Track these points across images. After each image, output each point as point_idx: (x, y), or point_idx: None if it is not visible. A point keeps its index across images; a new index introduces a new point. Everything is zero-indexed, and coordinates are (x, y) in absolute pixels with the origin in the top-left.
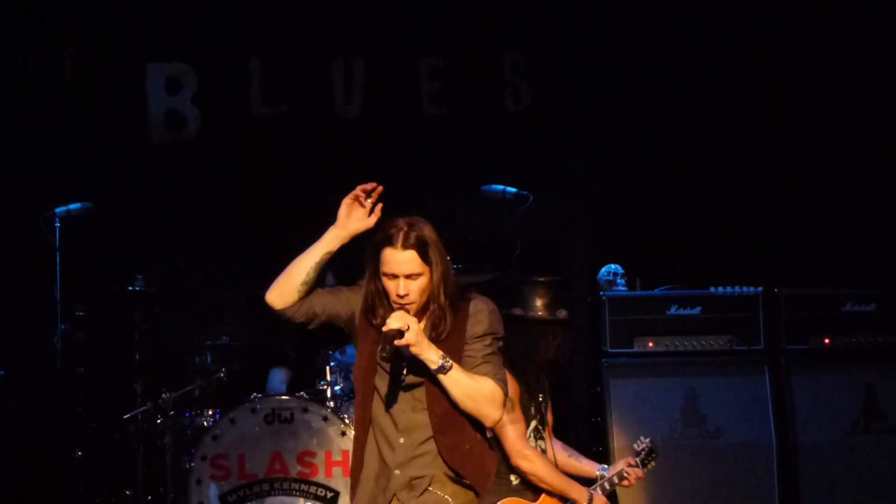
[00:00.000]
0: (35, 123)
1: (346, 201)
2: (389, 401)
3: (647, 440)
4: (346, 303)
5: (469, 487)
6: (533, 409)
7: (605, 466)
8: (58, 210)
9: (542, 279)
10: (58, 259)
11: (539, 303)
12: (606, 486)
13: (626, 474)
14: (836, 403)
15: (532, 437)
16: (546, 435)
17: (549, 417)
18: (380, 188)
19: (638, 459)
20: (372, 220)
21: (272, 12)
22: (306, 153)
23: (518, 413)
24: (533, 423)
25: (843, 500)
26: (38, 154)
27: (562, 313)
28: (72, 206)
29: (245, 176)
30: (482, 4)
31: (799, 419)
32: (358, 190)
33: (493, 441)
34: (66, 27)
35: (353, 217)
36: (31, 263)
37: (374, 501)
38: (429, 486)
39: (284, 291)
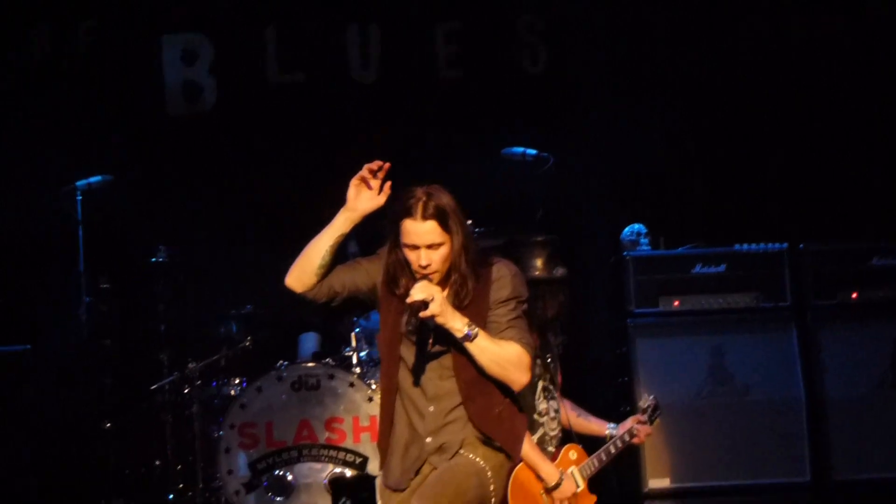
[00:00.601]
0: (53, 98)
1: (354, 182)
2: (417, 370)
3: (651, 397)
4: (365, 275)
5: (500, 450)
6: (539, 369)
7: (614, 425)
8: (79, 184)
9: (539, 238)
10: (80, 232)
11: (538, 262)
12: (619, 443)
13: (636, 431)
14: (864, 358)
15: (542, 397)
16: (557, 395)
17: (559, 378)
18: (387, 165)
19: (646, 417)
20: (382, 199)
21: None
22: (323, 120)
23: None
24: (541, 384)
25: (873, 454)
26: (56, 129)
27: (559, 271)
28: (92, 180)
29: (264, 144)
30: None
31: (827, 374)
32: (364, 170)
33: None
34: (81, 1)
35: (362, 197)
36: (54, 238)
37: (406, 468)
38: (460, 448)
39: (303, 276)
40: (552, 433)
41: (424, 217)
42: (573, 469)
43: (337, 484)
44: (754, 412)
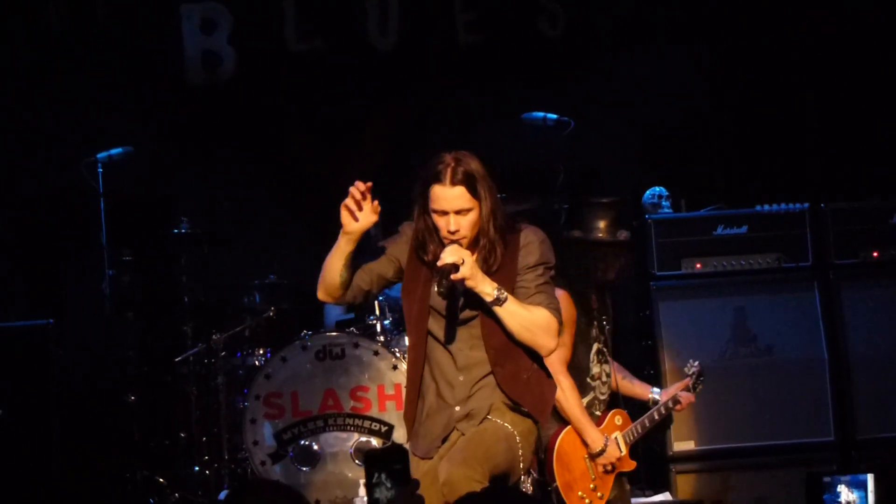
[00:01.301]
0: (71, 70)
1: (344, 208)
2: (447, 339)
3: (696, 363)
4: (389, 262)
5: (527, 415)
6: (595, 331)
7: (658, 390)
8: (99, 156)
9: (603, 200)
10: (102, 205)
11: (601, 224)
12: (662, 410)
13: (680, 398)
14: (886, 316)
15: (596, 360)
16: (610, 358)
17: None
18: (369, 184)
19: (690, 383)
20: (375, 216)
21: None
22: (343, 87)
23: (566, 338)
24: (596, 346)
25: None
26: (76, 101)
27: (623, 234)
28: (113, 151)
29: (284, 113)
30: None
31: (850, 333)
32: (349, 199)
33: None
34: None
35: (355, 218)
36: (75, 210)
37: (434, 436)
38: (487, 414)
39: (329, 291)
40: (602, 397)
41: (453, 182)
42: (617, 434)
43: (370, 458)
44: (778, 373)
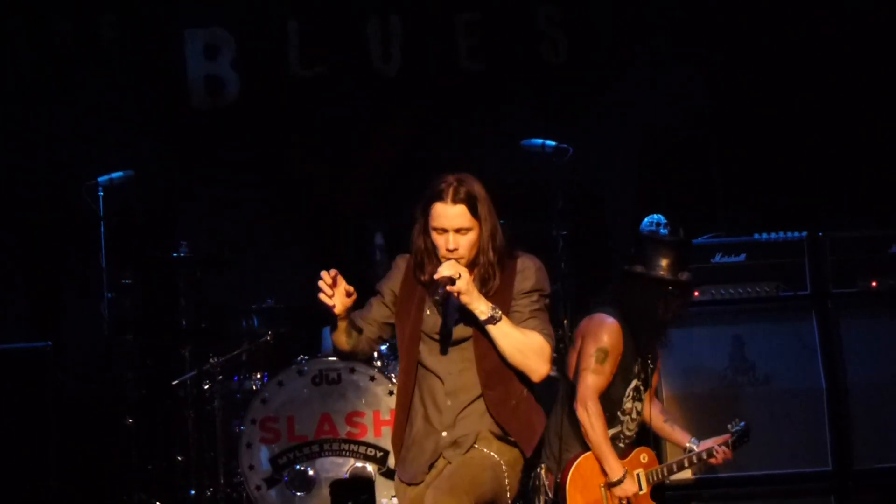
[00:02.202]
0: (75, 92)
1: (320, 298)
2: (438, 362)
3: (742, 423)
4: (385, 302)
5: (514, 445)
6: (637, 368)
7: (696, 440)
8: (101, 179)
9: (668, 238)
10: (102, 228)
11: (662, 262)
12: (695, 459)
13: (715, 452)
14: (884, 345)
15: (630, 396)
16: (646, 397)
17: (655, 379)
18: (334, 272)
19: (731, 440)
20: (351, 297)
21: None
22: (346, 113)
23: (607, 367)
24: (634, 382)
25: (894, 443)
26: (78, 123)
27: (684, 275)
28: (114, 175)
29: (286, 138)
30: None
31: (848, 363)
32: (321, 293)
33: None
34: None
35: (335, 304)
36: (75, 233)
37: (421, 462)
38: (474, 443)
39: (343, 354)
40: (628, 433)
41: (455, 201)
42: (640, 472)
43: (337, 486)
44: (775, 401)
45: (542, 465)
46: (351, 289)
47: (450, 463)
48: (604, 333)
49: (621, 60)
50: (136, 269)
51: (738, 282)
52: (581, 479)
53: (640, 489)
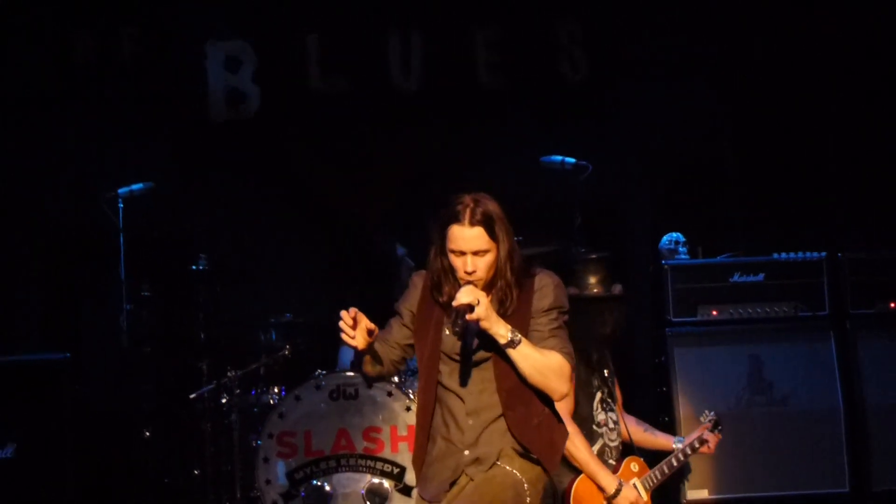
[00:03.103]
0: (96, 104)
1: (343, 338)
2: (458, 382)
3: (712, 413)
4: (404, 323)
5: (537, 462)
6: (596, 382)
7: (681, 438)
8: (121, 191)
9: (594, 256)
10: (122, 240)
11: (593, 280)
12: (681, 456)
13: (705, 439)
14: None
15: (600, 409)
16: (617, 408)
17: (618, 393)
18: (353, 311)
19: (709, 427)
20: (372, 335)
21: None
22: (365, 127)
23: (569, 388)
24: (598, 395)
25: None
26: (98, 135)
27: (616, 288)
28: (134, 187)
29: (306, 151)
30: None
31: (866, 383)
32: (342, 335)
33: None
34: (125, 7)
35: (357, 343)
36: (95, 245)
37: (442, 480)
38: (497, 460)
39: (371, 378)
40: (612, 444)
41: (472, 223)
42: (635, 481)
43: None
44: (793, 422)
45: None
46: (373, 326)
47: (472, 480)
48: None
49: (640, 78)
50: (155, 281)
51: (757, 301)
52: (582, 501)
53: (642, 497)
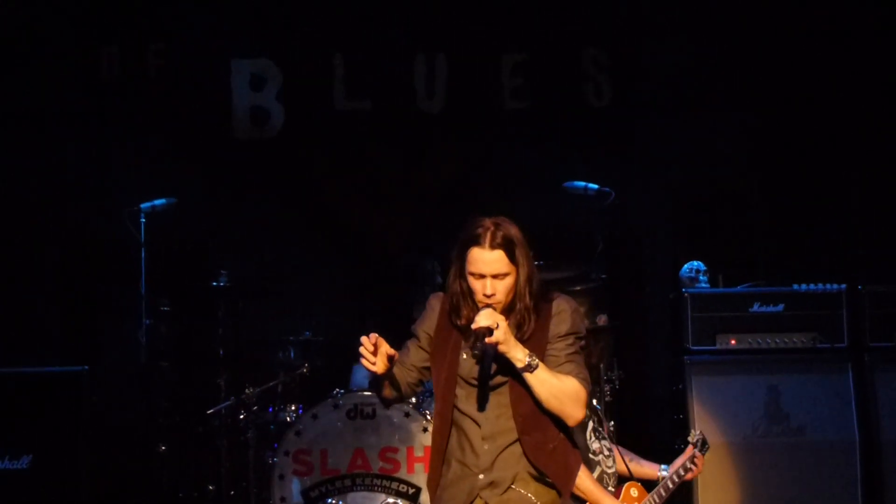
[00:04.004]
0: (120, 120)
1: (363, 361)
2: (474, 407)
3: (699, 432)
4: (421, 346)
5: (551, 486)
6: (588, 410)
7: (666, 466)
8: (143, 206)
9: (578, 288)
10: (143, 254)
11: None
12: (675, 479)
13: (691, 465)
14: None
15: (593, 437)
16: (607, 435)
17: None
18: (374, 336)
19: (696, 450)
20: (391, 360)
21: (355, 8)
22: (389, 148)
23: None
24: (591, 424)
25: None
26: (123, 150)
27: (602, 319)
28: (157, 202)
29: (329, 171)
30: None
31: (882, 417)
32: (363, 359)
33: None
34: (151, 23)
35: (377, 368)
36: (116, 259)
37: (457, 502)
38: (511, 484)
39: (388, 401)
40: (609, 470)
41: (493, 246)
42: None
43: None
44: (808, 453)
45: None
46: (393, 352)
47: (487, 503)
48: None
49: (664, 105)
50: (175, 296)
51: (776, 332)
52: None
53: None
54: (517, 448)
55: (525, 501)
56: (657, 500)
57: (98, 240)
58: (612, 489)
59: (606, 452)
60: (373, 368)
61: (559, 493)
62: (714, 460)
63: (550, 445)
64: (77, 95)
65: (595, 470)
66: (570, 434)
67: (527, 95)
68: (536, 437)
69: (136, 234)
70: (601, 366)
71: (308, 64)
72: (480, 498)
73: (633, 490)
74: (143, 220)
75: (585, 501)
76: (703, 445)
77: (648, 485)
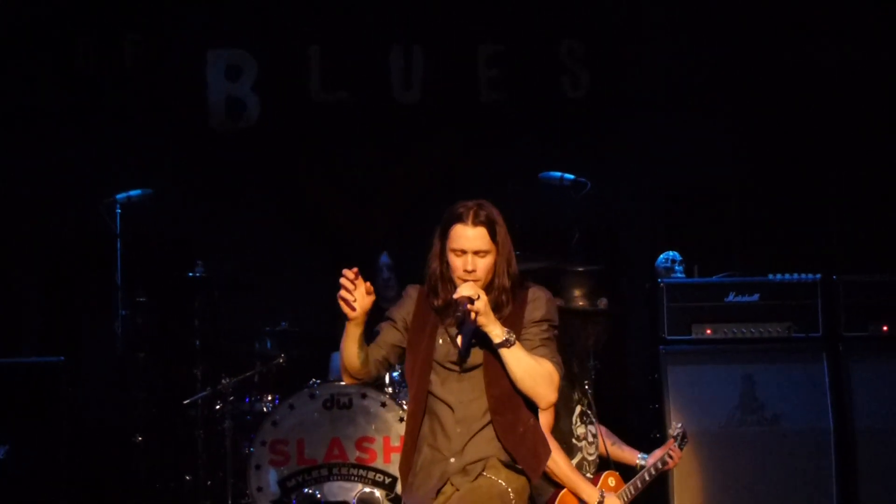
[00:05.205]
0: (96, 111)
1: (340, 300)
2: (448, 391)
3: (680, 425)
4: (398, 326)
5: (522, 473)
6: (577, 395)
7: (644, 455)
8: (118, 197)
9: (581, 269)
10: (119, 246)
11: (578, 293)
12: (653, 471)
13: (668, 458)
14: (894, 391)
15: (579, 422)
16: (595, 421)
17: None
18: (355, 269)
19: (676, 444)
20: (371, 297)
21: None
22: (365, 139)
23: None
24: (579, 409)
25: None
26: (98, 141)
27: (602, 302)
28: (132, 193)
29: (305, 162)
30: None
31: (857, 406)
32: (342, 290)
33: None
34: (127, 14)
35: (354, 304)
36: (92, 250)
37: (429, 488)
38: (483, 471)
39: (352, 373)
40: (590, 458)
41: (475, 223)
42: (612, 495)
43: None
44: (783, 442)
45: None
46: (370, 287)
47: (457, 490)
48: None
49: (641, 96)
50: (151, 287)
51: (751, 321)
52: None
53: None
54: (489, 431)
55: (495, 487)
56: (633, 492)
57: (74, 231)
58: (591, 476)
59: (591, 439)
60: (350, 298)
61: (528, 480)
62: (690, 449)
63: (521, 429)
64: (53, 87)
65: (576, 456)
66: (539, 420)
67: (503, 86)
68: (508, 417)
69: (111, 226)
70: (597, 349)
71: (284, 55)
72: (451, 484)
73: (611, 479)
74: (119, 211)
75: (557, 484)
76: (682, 439)
77: (626, 474)
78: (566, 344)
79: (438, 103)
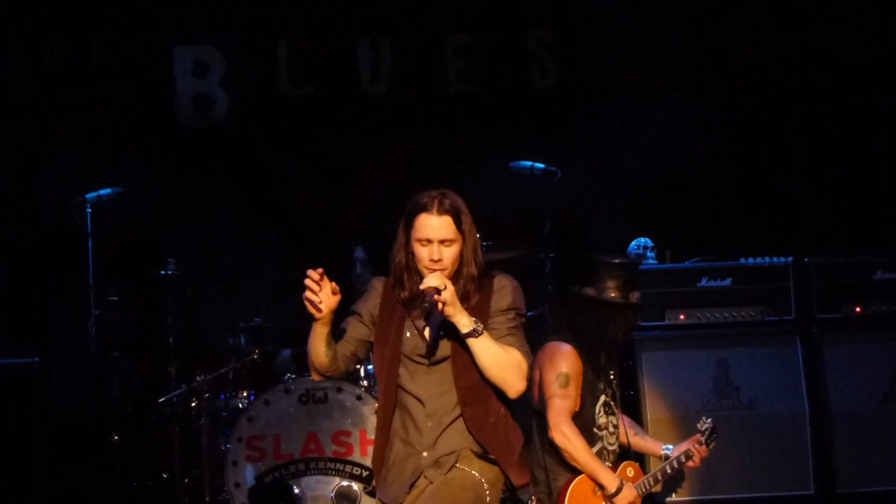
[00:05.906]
0: (64, 109)
1: (305, 300)
2: (417, 385)
3: (709, 420)
4: (363, 322)
5: (495, 463)
6: (602, 384)
7: (670, 447)
8: (89, 196)
9: (616, 260)
10: (90, 244)
11: (612, 284)
12: (675, 464)
13: (692, 453)
14: (868, 371)
15: (602, 412)
16: (617, 411)
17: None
18: (320, 270)
19: (703, 438)
20: (336, 296)
21: None
22: (335, 132)
23: (571, 390)
24: (602, 398)
25: (877, 468)
26: (67, 140)
27: (635, 296)
28: (102, 192)
29: (275, 157)
30: None
31: (831, 388)
32: (307, 291)
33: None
34: (93, 11)
35: (320, 305)
36: (63, 249)
37: (402, 482)
38: (455, 463)
39: (320, 369)
40: (610, 447)
41: (440, 212)
42: (630, 485)
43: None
44: (759, 425)
45: (533, 497)
46: (336, 287)
47: (431, 483)
48: (560, 360)
49: (610, 85)
50: (124, 286)
51: (724, 306)
52: (578, 502)
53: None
54: (460, 424)
55: (469, 479)
56: (652, 483)
57: (44, 230)
58: (610, 465)
59: (612, 429)
60: (315, 299)
61: (502, 470)
62: (664, 435)
63: (492, 419)
64: (21, 86)
65: (596, 445)
66: (512, 410)
67: (472, 77)
68: (478, 409)
69: (82, 225)
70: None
71: (252, 50)
72: (425, 477)
73: (630, 469)
74: (89, 210)
75: (540, 483)
76: (710, 434)
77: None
78: (593, 333)
79: (407, 95)
